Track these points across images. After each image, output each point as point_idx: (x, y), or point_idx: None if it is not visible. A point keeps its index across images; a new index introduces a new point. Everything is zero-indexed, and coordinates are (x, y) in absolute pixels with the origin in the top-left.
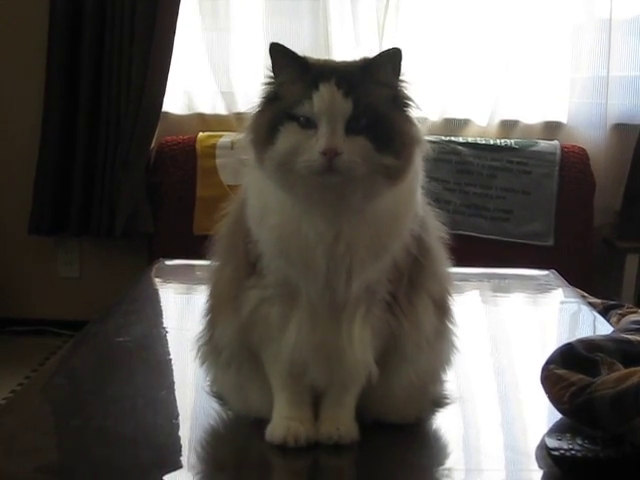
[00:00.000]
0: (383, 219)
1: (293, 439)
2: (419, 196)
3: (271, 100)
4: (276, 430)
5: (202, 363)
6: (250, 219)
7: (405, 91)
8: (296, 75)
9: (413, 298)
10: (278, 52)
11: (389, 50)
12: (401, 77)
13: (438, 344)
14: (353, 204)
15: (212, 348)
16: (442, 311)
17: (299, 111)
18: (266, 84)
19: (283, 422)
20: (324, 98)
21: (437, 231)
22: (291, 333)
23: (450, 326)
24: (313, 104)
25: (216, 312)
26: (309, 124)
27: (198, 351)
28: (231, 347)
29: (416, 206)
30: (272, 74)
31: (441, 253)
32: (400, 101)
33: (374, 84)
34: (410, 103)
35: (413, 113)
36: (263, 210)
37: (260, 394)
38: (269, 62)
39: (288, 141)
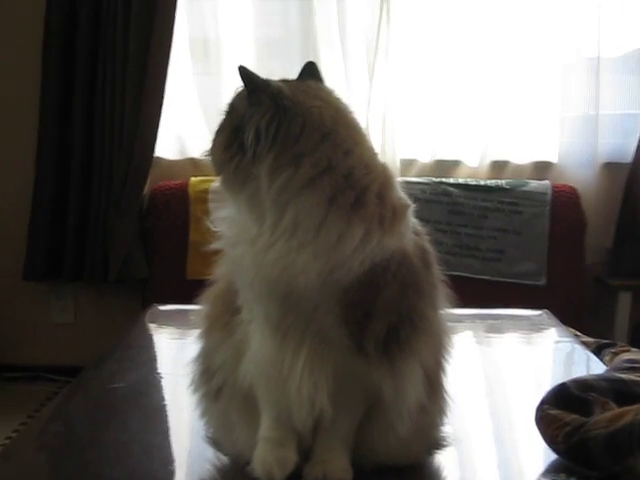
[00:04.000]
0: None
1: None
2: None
3: None
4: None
5: (194, 391)
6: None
7: None
8: None
9: (398, 361)
10: None
11: None
12: None
13: (422, 419)
14: None
15: (204, 374)
16: (432, 386)
17: None
18: None
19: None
20: None
21: (436, 299)
22: (248, 355)
23: (441, 402)
24: None
25: (210, 331)
26: None
27: (192, 381)
28: (225, 369)
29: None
30: None
31: (438, 324)
32: None
33: None
34: None
35: None
36: None
37: (246, 433)
38: None
39: None
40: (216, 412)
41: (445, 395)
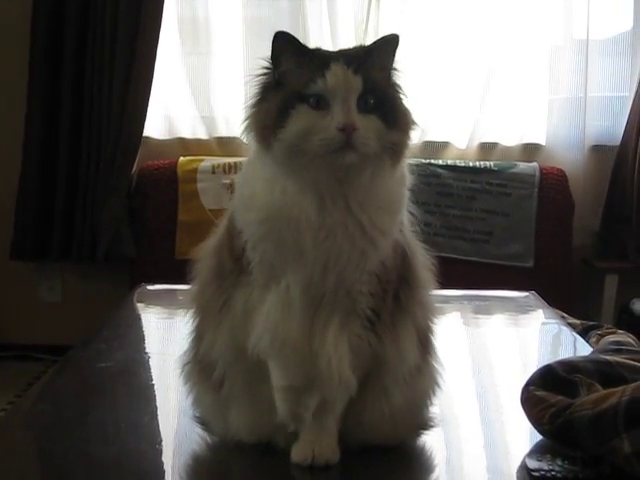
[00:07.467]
0: (378, 207)
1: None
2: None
3: (272, 88)
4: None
5: (186, 382)
6: (237, 208)
7: (395, 77)
8: (302, 60)
9: (398, 323)
10: (284, 40)
11: (388, 36)
12: (395, 63)
13: (417, 382)
14: (361, 183)
15: (200, 368)
16: (424, 347)
17: (310, 90)
18: (263, 74)
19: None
20: (337, 75)
21: (425, 260)
22: (261, 318)
23: (433, 364)
24: (326, 81)
25: (204, 325)
26: (320, 104)
27: (182, 370)
28: (224, 358)
29: (405, 199)
30: (272, 63)
31: (429, 283)
32: (394, 84)
33: (376, 66)
34: (400, 89)
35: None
36: (251, 196)
37: (243, 415)
38: (269, 53)
39: (301, 122)
40: (212, 401)
41: (435, 360)
